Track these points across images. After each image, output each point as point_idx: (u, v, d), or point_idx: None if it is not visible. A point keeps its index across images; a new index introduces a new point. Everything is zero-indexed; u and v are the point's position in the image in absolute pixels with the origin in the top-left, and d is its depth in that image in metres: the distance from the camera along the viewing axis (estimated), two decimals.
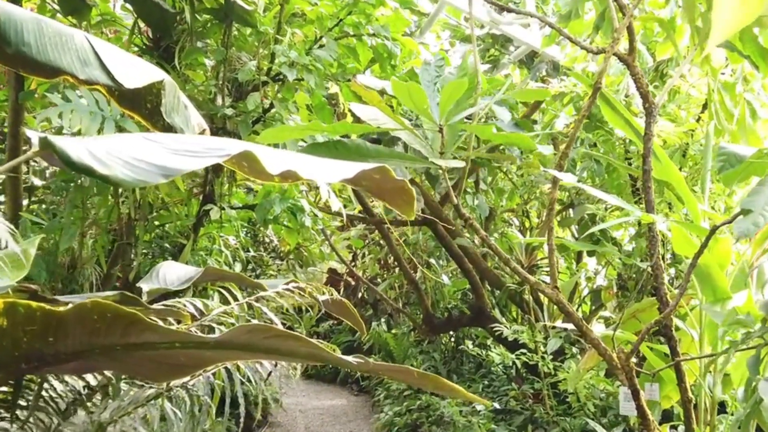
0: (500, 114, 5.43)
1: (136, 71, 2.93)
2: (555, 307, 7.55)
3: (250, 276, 10.96)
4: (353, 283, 13.79)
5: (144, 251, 4.67)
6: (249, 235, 11.56)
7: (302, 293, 2.14)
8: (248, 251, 10.88)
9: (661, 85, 6.07)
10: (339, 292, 11.13)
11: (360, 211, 8.56)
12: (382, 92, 3.36)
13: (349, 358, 1.55)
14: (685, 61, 4.32)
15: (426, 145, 3.06)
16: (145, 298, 2.92)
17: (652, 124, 3.55)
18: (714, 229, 3.05)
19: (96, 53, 2.88)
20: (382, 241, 10.29)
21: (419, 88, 2.77)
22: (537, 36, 6.89)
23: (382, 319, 12.37)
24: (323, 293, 2.39)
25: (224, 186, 4.69)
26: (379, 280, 12.56)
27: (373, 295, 12.73)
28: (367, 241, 12.04)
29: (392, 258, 10.48)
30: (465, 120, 3.20)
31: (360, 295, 13.77)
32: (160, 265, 3.21)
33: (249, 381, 2.98)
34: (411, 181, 6.68)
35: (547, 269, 8.40)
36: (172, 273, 3.23)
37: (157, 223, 4.82)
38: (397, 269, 10.84)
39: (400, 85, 2.74)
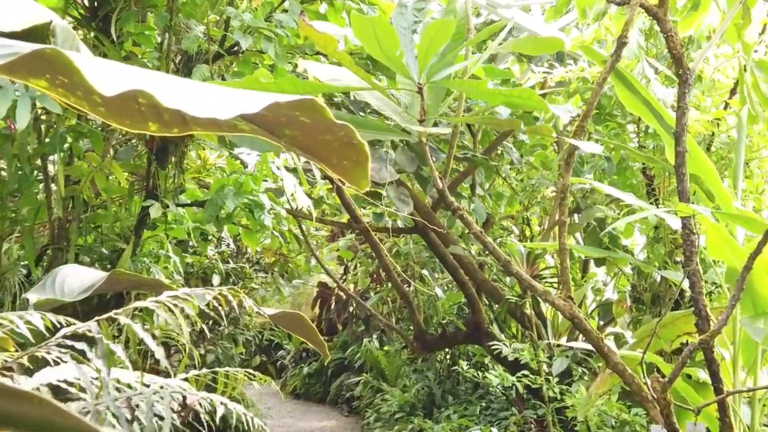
0: (498, 108, 4.90)
1: (14, 10, 2.21)
2: (560, 322, 6.85)
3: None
4: (345, 297, 13.14)
5: (78, 257, 3.95)
6: (230, 246, 10.93)
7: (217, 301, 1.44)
8: (228, 263, 10.21)
9: None
10: (329, 307, 10.54)
11: (349, 220, 7.86)
12: (350, 52, 2.67)
13: None
14: (720, 30, 3.63)
15: (401, 111, 2.36)
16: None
17: (687, 94, 2.85)
18: None
19: None
20: (374, 254, 9.61)
21: (388, 27, 2.03)
22: (539, 22, 6.19)
23: (374, 335, 11.73)
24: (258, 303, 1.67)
25: (170, 179, 3.96)
26: (372, 294, 11.93)
27: (364, 310, 12.07)
28: (358, 252, 11.37)
29: (383, 270, 9.82)
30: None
31: (351, 309, 13.12)
32: (59, 270, 2.50)
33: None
34: (398, 182, 5.97)
35: (552, 281, 7.72)
36: (74, 279, 2.51)
37: (93, 224, 4.10)
38: (389, 283, 10.24)
39: (362, 22, 2.00)
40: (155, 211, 3.70)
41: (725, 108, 4.88)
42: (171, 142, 3.80)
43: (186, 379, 1.82)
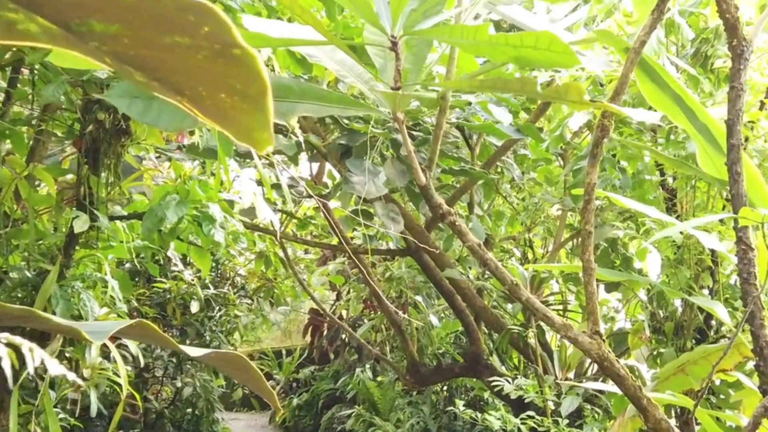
0: (498, 115, 4.28)
1: None
2: (568, 354, 6.20)
3: (210, 316, 9.60)
4: (336, 324, 12.48)
5: None
6: (213, 270, 10.23)
7: None
8: (208, 288, 9.53)
9: (703, 74, 4.78)
10: (321, 335, 9.87)
11: (338, 242, 7.24)
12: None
13: None
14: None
15: (370, 78, 1.72)
16: None
17: (743, 72, 2.21)
18: None
19: None
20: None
21: None
22: (543, 20, 5.59)
23: (367, 365, 11.06)
24: None
25: (105, 187, 3.28)
26: (365, 320, 11.28)
27: (355, 338, 11.41)
28: (351, 278, 10.73)
29: (374, 296, 9.19)
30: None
31: (343, 337, 12.45)
32: None
33: None
34: (386, 197, 5.31)
35: (559, 308, 7.07)
36: None
37: (15, 241, 3.43)
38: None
39: None
40: (80, 225, 3.03)
41: (761, 108, 4.26)
42: (103, 141, 3.15)
43: None
